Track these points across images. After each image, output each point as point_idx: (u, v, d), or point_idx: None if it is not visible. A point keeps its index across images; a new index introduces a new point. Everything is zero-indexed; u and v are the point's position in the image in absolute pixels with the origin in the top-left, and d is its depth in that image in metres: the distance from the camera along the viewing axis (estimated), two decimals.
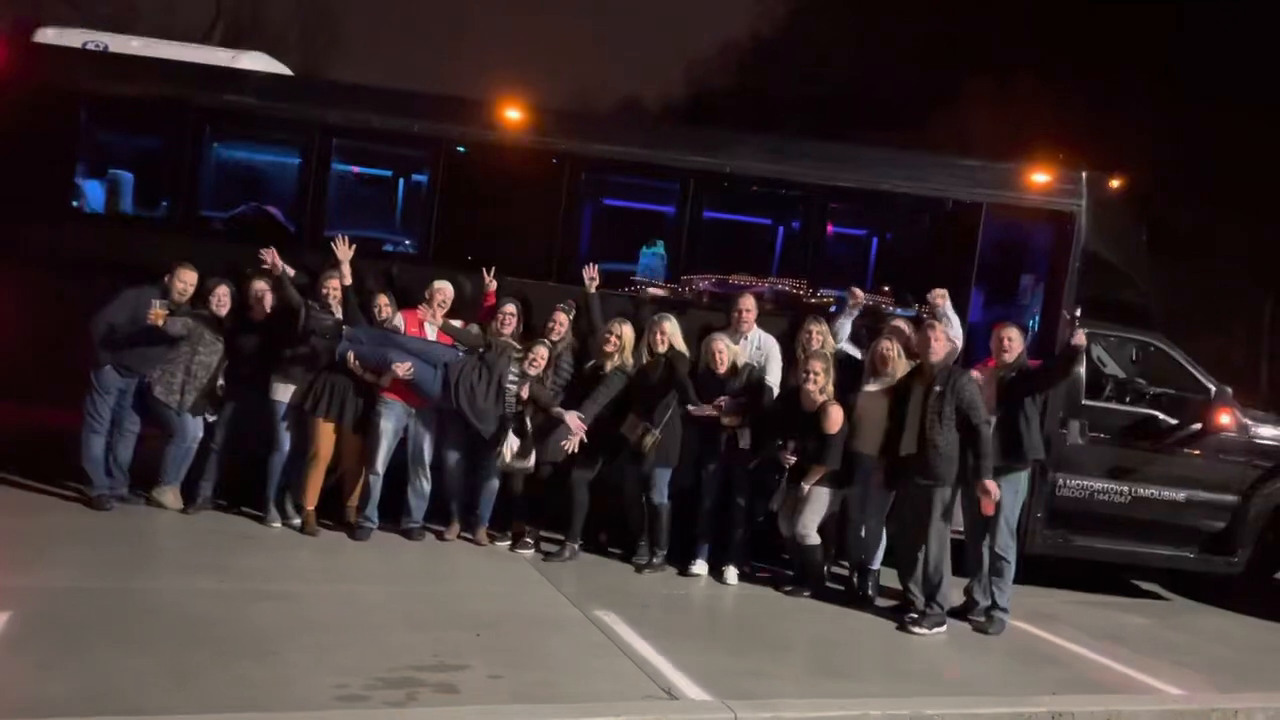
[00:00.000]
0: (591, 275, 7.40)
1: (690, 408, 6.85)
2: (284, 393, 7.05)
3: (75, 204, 7.96)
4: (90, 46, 8.22)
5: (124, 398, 7.04)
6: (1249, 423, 7.93)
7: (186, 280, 7.04)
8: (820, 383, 6.71)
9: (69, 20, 11.47)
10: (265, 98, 7.94)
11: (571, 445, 6.89)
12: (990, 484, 6.27)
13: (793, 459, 6.74)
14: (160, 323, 6.77)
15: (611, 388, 7.02)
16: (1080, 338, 6.69)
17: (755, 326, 7.37)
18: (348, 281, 7.06)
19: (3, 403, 7.30)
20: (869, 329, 7.42)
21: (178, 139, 7.92)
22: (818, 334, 7.11)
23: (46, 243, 7.46)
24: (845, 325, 7.35)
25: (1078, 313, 6.84)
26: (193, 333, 6.97)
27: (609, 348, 7.08)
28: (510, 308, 7.28)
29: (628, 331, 7.11)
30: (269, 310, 7.19)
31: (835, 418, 6.63)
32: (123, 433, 7.09)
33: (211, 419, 7.17)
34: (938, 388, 6.33)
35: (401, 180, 8.72)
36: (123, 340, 6.89)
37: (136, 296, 6.91)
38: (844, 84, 25.73)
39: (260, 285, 7.20)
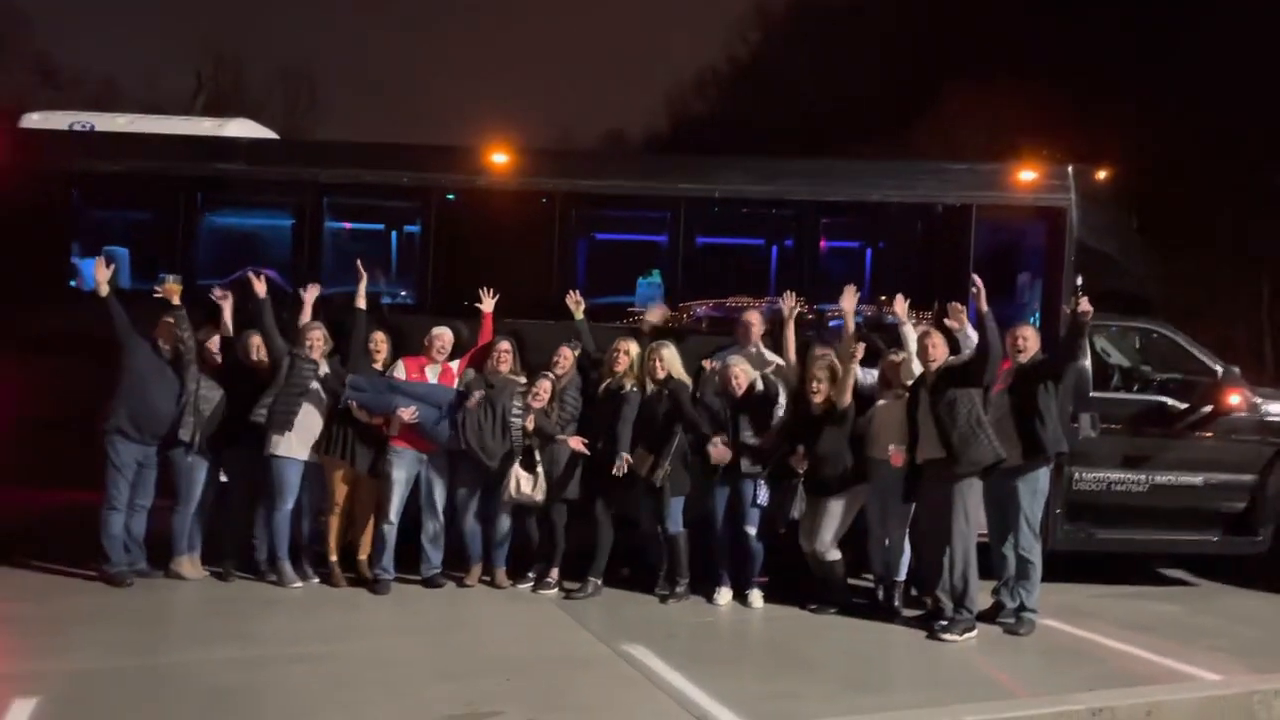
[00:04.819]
0: (577, 300, 7.44)
1: (711, 449, 6.81)
2: (282, 446, 7.02)
3: (73, 283, 8.01)
4: (77, 127, 8.31)
5: (141, 471, 7.03)
6: (1259, 401, 7.92)
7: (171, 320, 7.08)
8: (824, 390, 6.76)
9: (53, 104, 11.62)
10: (254, 162, 8.02)
11: (620, 469, 6.88)
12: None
13: (805, 464, 6.74)
14: (175, 299, 7.01)
15: (634, 406, 7.02)
16: (1085, 304, 6.53)
17: (759, 341, 7.35)
18: (364, 333, 7.16)
19: (7, 487, 7.31)
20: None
21: (170, 211, 7.97)
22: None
23: (46, 324, 7.49)
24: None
25: (1074, 302, 6.80)
26: (189, 367, 7.04)
27: (619, 366, 7.10)
28: (505, 344, 7.31)
29: (635, 348, 7.15)
30: (260, 363, 7.20)
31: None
32: (135, 508, 7.08)
33: (224, 479, 7.20)
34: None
35: (395, 233, 8.76)
36: (135, 398, 6.90)
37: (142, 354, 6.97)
38: (824, 100, 25.95)
39: (255, 339, 7.22)
